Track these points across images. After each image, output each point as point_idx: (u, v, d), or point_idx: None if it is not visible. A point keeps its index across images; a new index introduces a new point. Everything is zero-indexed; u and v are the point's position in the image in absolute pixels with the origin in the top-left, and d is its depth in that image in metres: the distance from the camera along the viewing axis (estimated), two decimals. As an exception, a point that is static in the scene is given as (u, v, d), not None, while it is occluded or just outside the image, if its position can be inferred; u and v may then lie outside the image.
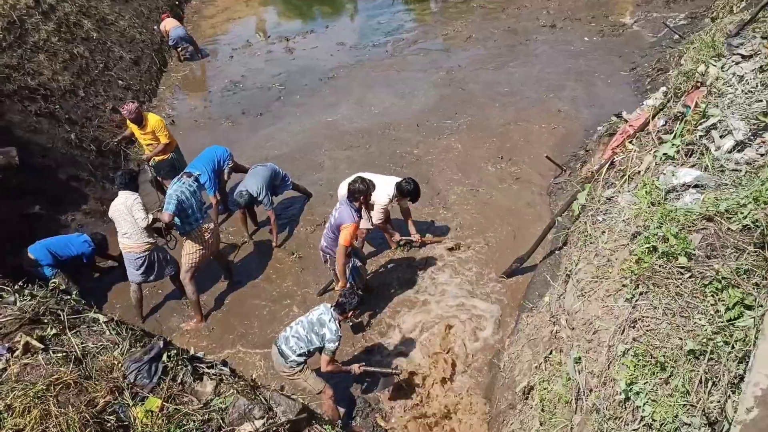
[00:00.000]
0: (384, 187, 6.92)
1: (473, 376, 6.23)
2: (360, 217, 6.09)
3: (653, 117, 6.66)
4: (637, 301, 3.85)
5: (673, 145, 5.48)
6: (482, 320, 6.85)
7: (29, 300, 3.97)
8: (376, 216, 7.02)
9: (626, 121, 7.68)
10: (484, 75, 11.93)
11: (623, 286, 4.12)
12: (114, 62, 12.34)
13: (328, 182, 9.10)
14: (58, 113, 9.69)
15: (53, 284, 4.40)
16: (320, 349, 5.29)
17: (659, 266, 3.85)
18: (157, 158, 8.60)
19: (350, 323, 6.58)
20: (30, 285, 4.54)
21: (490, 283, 7.30)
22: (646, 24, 12.59)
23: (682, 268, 3.74)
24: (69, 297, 4.25)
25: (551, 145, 9.44)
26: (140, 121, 8.21)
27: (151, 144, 8.49)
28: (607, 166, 6.77)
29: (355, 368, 5.77)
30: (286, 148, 10.34)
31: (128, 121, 8.42)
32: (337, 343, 5.24)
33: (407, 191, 6.92)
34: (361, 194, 5.92)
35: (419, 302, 7.15)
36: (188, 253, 6.71)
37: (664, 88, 7.66)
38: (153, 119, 8.35)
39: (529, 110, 10.50)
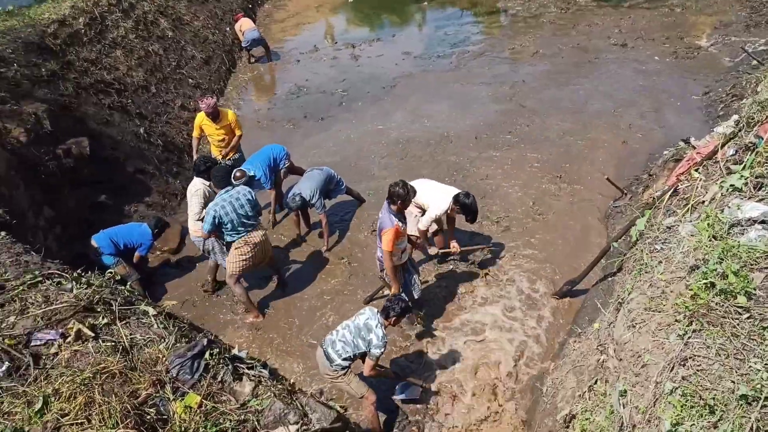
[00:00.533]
0: (441, 195, 6.82)
1: (515, 398, 6.12)
2: (401, 221, 5.97)
3: (723, 145, 6.38)
4: (689, 338, 3.69)
5: (741, 176, 5.24)
6: (528, 342, 6.72)
7: (85, 288, 4.13)
8: (424, 222, 6.87)
9: (694, 147, 7.39)
10: (549, 91, 11.74)
11: (676, 320, 3.96)
12: (186, 61, 12.80)
13: (379, 190, 9.14)
14: (129, 107, 10.10)
15: (110, 273, 4.57)
16: (365, 354, 5.32)
17: (716, 304, 3.68)
18: (232, 153, 8.86)
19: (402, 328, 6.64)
20: (89, 273, 4.72)
21: (539, 303, 7.16)
22: (724, 48, 12.11)
23: (741, 307, 3.56)
24: (123, 288, 4.39)
25: (613, 166, 9.19)
26: (217, 116, 8.47)
27: (224, 139, 8.71)
28: (670, 192, 6.53)
29: (390, 373, 5.90)
30: (342, 152, 10.44)
31: (198, 117, 8.63)
32: (383, 349, 5.26)
33: (464, 204, 6.72)
34: (399, 198, 5.75)
35: (467, 313, 7.09)
36: (231, 261, 6.75)
37: (736, 116, 7.36)
38: (230, 113, 8.68)
39: (592, 130, 10.26)
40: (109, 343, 3.58)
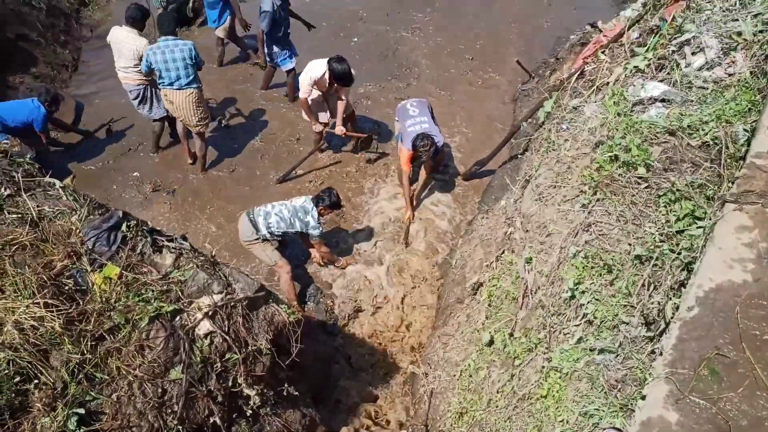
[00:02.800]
0: (318, 63, 6.63)
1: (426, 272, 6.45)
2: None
3: (629, 28, 6.58)
4: (593, 207, 3.97)
5: (644, 58, 5.46)
6: (437, 221, 6.99)
7: (-21, 161, 3.81)
8: (301, 90, 6.74)
9: (601, 30, 7.59)
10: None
11: (581, 192, 4.23)
12: None
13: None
14: (3, -40, 8.92)
15: (4, 145, 4.22)
16: (300, 235, 5.85)
17: (618, 175, 3.95)
18: None
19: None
20: (-21, 148, 4.34)
21: (448, 185, 7.39)
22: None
23: (640, 178, 3.84)
24: (22, 160, 4.08)
25: (521, 50, 9.31)
26: None
27: None
28: (576, 75, 6.74)
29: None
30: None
31: None
32: (320, 230, 5.69)
33: (333, 69, 6.43)
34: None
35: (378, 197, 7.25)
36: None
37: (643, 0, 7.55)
38: None
39: (502, 13, 10.24)
40: (14, 216, 3.37)
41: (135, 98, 7.13)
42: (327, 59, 6.51)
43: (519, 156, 7.15)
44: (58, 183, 3.69)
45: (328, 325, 5.99)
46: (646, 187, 3.79)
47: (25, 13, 8.70)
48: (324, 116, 7.20)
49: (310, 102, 6.87)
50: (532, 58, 9.03)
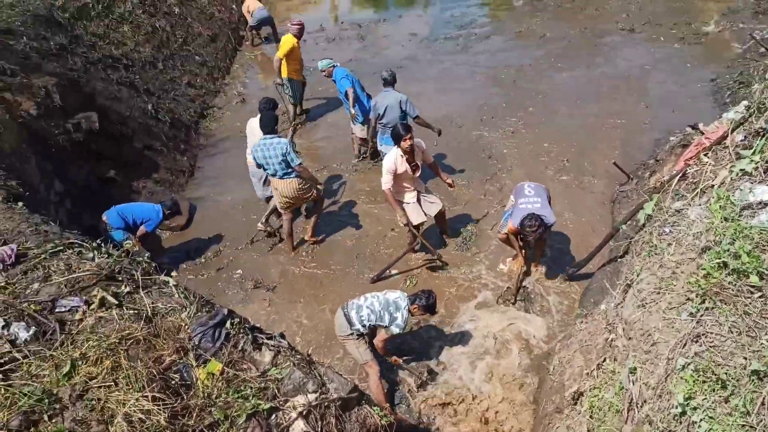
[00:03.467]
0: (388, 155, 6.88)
1: (520, 378, 6.22)
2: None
3: (732, 131, 6.42)
4: (701, 316, 3.76)
5: (751, 161, 5.29)
6: (536, 323, 6.82)
7: (106, 258, 4.18)
8: (383, 181, 6.85)
9: (702, 133, 7.43)
10: (555, 75, 11.75)
11: (688, 299, 4.03)
12: (192, 38, 12.78)
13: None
14: (137, 83, 10.10)
15: (128, 245, 4.62)
16: (382, 327, 5.62)
17: (728, 283, 3.76)
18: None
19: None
20: (106, 244, 4.78)
21: (546, 286, 7.24)
22: (731, 34, 12.11)
23: (753, 287, 3.64)
24: (141, 259, 4.44)
25: (619, 151, 9.24)
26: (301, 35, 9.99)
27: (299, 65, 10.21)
28: (678, 177, 6.58)
29: (394, 358, 6.08)
30: (346, 136, 10.42)
31: (288, 39, 9.79)
32: (401, 330, 5.62)
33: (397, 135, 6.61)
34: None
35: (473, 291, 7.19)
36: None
37: (746, 102, 7.37)
38: None
39: (598, 114, 10.29)
40: (132, 311, 3.64)
41: (258, 179, 8.19)
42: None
43: (619, 259, 6.94)
44: (171, 281, 3.96)
45: (419, 429, 5.84)
46: (760, 297, 3.58)
47: (152, 126, 9.70)
48: (410, 196, 7.18)
49: (393, 190, 6.96)
50: (629, 160, 8.92)
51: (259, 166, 7.31)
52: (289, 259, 7.96)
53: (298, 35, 9.85)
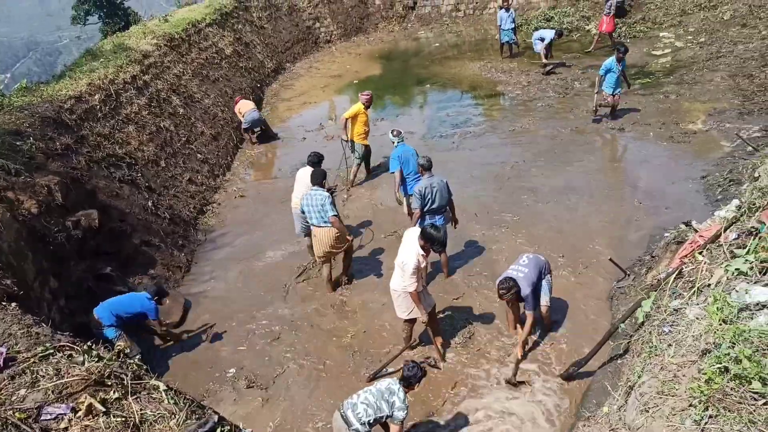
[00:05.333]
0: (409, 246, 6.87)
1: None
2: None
3: (725, 229, 6.51)
4: (706, 424, 3.66)
5: (746, 261, 5.33)
6: (536, 421, 6.61)
7: (96, 361, 4.11)
8: (409, 283, 6.77)
9: (696, 230, 7.52)
10: (548, 172, 12.00)
11: (691, 405, 3.94)
12: (195, 137, 13.15)
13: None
14: (139, 181, 10.29)
15: (119, 347, 4.55)
16: (385, 418, 5.48)
17: (731, 389, 3.68)
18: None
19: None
20: (97, 345, 4.70)
21: (546, 385, 7.07)
22: (719, 134, 12.49)
23: (756, 393, 3.56)
24: (132, 361, 4.36)
25: (614, 247, 9.29)
26: (369, 107, 11.64)
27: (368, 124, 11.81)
28: (674, 275, 6.60)
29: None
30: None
31: (358, 107, 11.44)
32: (405, 412, 5.47)
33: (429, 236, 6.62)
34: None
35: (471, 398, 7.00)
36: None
37: (737, 201, 7.52)
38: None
39: (592, 210, 10.43)
40: (119, 419, 3.54)
41: (299, 220, 9.16)
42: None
43: (619, 358, 6.83)
44: (162, 386, 3.88)
45: None
46: (764, 404, 3.50)
47: (151, 222, 9.81)
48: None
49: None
50: (625, 256, 8.96)
51: (302, 212, 8.39)
52: (284, 356, 7.81)
53: (367, 104, 11.47)
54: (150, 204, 10.10)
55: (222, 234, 11.02)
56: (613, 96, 13.47)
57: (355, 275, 9.39)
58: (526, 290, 6.92)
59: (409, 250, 6.74)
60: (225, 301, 9.08)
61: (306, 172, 8.91)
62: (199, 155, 12.80)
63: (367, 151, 12.13)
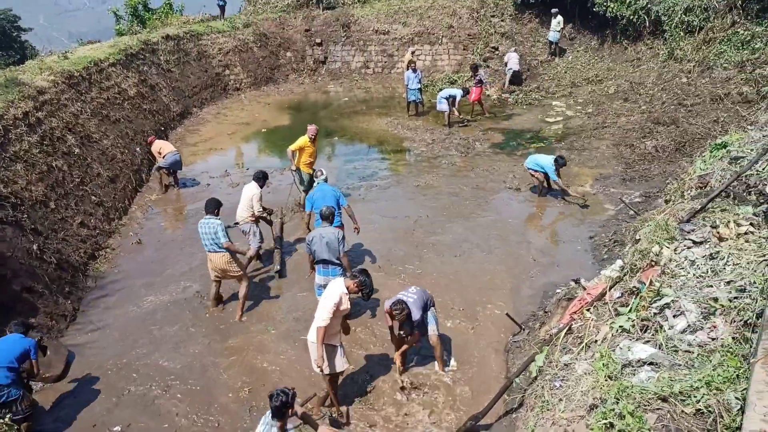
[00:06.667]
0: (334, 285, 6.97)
1: None
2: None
3: (610, 288, 6.94)
4: (594, 478, 3.81)
5: (628, 318, 5.69)
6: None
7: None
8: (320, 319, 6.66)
9: (584, 288, 7.96)
10: (449, 227, 12.36)
11: (580, 461, 4.09)
12: (91, 178, 12.55)
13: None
14: (24, 222, 9.65)
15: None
16: None
17: (616, 444, 3.86)
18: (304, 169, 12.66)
19: None
20: None
21: (443, 440, 7.11)
22: (604, 197, 13.42)
23: (639, 448, 3.75)
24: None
25: (511, 301, 9.63)
26: (314, 140, 12.59)
27: (313, 155, 12.75)
28: (565, 331, 6.92)
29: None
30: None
31: (303, 140, 12.42)
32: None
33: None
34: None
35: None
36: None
37: (620, 262, 8.05)
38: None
39: (490, 265, 10.81)
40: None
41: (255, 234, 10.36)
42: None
43: (514, 412, 7.00)
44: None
45: None
46: (646, 459, 3.69)
47: (36, 267, 9.16)
48: (338, 339, 7.10)
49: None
50: (521, 310, 9.31)
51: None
52: (173, 414, 7.38)
53: (312, 137, 12.45)
54: (35, 248, 9.42)
55: (114, 281, 10.45)
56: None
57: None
58: (416, 314, 7.37)
59: (335, 289, 6.78)
60: (111, 350, 8.52)
61: (249, 187, 10.22)
62: (93, 197, 12.17)
63: (311, 178, 12.55)
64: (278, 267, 10.58)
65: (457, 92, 19.35)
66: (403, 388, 7.66)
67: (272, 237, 11.14)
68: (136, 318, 9.38)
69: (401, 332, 7.71)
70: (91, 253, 10.86)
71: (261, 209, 10.27)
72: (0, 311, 8.17)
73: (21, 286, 8.67)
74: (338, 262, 8.50)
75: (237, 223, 10.28)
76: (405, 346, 7.73)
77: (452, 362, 8.27)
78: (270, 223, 10.97)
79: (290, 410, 5.40)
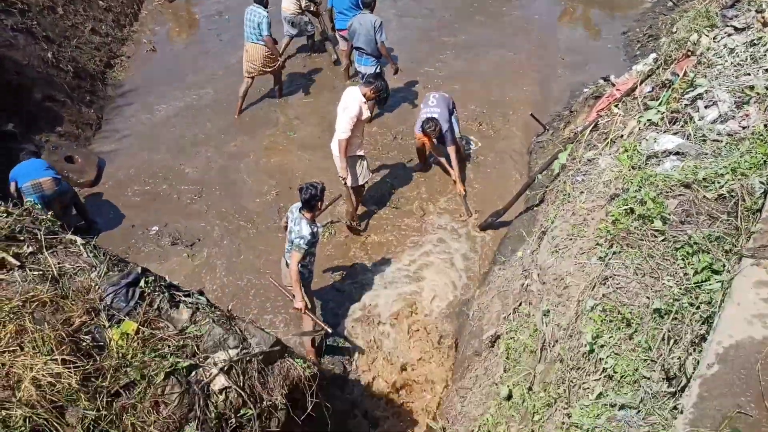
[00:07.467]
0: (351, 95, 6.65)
1: (440, 326, 6.39)
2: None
3: (641, 83, 6.68)
4: (609, 259, 3.95)
5: (658, 111, 5.53)
6: (454, 269, 6.99)
7: (5, 216, 3.90)
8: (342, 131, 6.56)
9: (614, 84, 7.68)
10: (473, 27, 11.74)
11: (597, 245, 4.22)
12: (96, -20, 11.85)
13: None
14: (35, 29, 9.33)
15: (28, 203, 4.33)
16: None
17: (634, 228, 3.95)
18: None
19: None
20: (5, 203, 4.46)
21: (465, 236, 7.40)
22: (642, -11, 12.45)
23: (657, 231, 3.83)
24: (45, 218, 4.17)
25: (535, 103, 9.42)
26: None
27: None
28: (590, 128, 6.81)
29: (299, 303, 5.39)
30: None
31: None
32: (303, 242, 5.19)
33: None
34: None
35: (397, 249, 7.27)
36: None
37: (654, 55, 7.67)
38: None
39: (515, 67, 10.41)
40: (36, 272, 3.43)
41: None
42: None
43: (535, 207, 7.18)
44: (79, 240, 3.76)
45: (344, 378, 5.93)
46: (662, 240, 3.78)
47: (54, 75, 9.02)
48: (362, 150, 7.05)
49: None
50: (546, 111, 9.13)
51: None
52: (207, 215, 7.71)
53: None
54: (50, 56, 9.22)
55: (134, 89, 10.34)
56: None
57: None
58: (444, 126, 7.38)
59: (353, 98, 6.52)
60: (140, 158, 8.68)
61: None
62: (101, 2, 11.62)
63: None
64: (335, 56, 10.47)
65: None
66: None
67: (318, 31, 10.66)
68: (159, 124, 9.40)
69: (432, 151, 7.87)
70: (106, 62, 10.61)
71: (308, 1, 9.88)
72: (27, 120, 8.24)
73: (42, 94, 8.62)
74: (372, 53, 8.27)
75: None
76: (455, 168, 7.60)
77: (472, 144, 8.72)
78: (317, 15, 10.37)
79: (319, 203, 5.47)
